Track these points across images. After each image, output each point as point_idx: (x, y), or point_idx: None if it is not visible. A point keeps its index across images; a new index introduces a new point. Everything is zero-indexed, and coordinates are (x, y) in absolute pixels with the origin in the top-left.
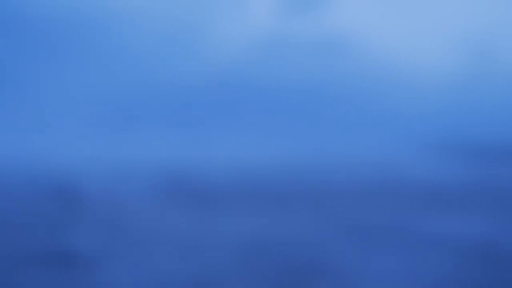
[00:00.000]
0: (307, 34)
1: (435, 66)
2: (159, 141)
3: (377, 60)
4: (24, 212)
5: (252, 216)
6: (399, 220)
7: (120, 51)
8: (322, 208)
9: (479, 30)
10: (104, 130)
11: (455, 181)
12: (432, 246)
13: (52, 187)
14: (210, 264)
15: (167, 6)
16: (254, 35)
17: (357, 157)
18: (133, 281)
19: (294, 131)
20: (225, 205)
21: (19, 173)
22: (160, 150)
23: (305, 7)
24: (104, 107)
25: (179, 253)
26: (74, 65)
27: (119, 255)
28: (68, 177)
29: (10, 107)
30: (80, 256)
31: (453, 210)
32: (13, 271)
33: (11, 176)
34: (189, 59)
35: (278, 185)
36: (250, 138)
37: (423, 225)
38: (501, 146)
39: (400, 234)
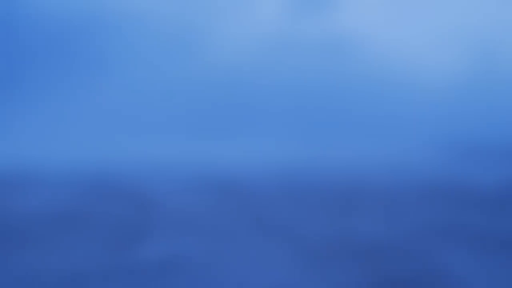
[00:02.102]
0: (316, 36)
1: (445, 67)
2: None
3: (386, 61)
4: (96, 213)
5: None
6: (461, 220)
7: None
8: (382, 210)
9: (488, 32)
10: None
11: (493, 182)
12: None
13: (123, 192)
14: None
15: (176, 10)
16: (263, 37)
17: (385, 158)
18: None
19: (309, 133)
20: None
21: (89, 177)
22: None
23: (312, 9)
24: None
25: (265, 260)
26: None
27: (198, 261)
28: (139, 181)
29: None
30: (158, 262)
31: (500, 210)
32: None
33: (82, 181)
34: (196, 63)
35: (324, 184)
36: (272, 140)
37: (488, 225)
38: None
39: (467, 234)
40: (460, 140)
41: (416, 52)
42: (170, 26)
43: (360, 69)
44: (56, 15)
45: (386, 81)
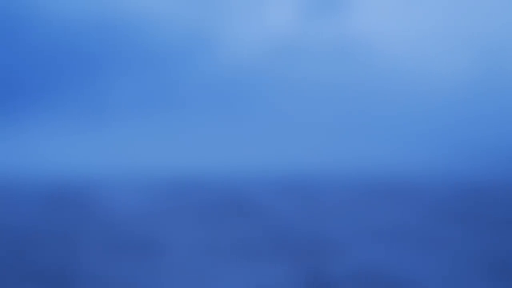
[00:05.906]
0: (329, 38)
1: (461, 70)
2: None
3: (399, 64)
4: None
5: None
6: None
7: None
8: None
9: (498, 34)
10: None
11: None
12: None
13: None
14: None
15: (186, 13)
16: (273, 41)
17: (424, 164)
18: None
19: (335, 137)
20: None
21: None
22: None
23: (324, 12)
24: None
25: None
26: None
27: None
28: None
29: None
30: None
31: None
32: None
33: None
34: (208, 65)
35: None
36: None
37: None
38: None
39: None
40: (487, 143)
41: (431, 54)
42: (183, 29)
43: (373, 72)
44: (62, 16)
45: (401, 84)
